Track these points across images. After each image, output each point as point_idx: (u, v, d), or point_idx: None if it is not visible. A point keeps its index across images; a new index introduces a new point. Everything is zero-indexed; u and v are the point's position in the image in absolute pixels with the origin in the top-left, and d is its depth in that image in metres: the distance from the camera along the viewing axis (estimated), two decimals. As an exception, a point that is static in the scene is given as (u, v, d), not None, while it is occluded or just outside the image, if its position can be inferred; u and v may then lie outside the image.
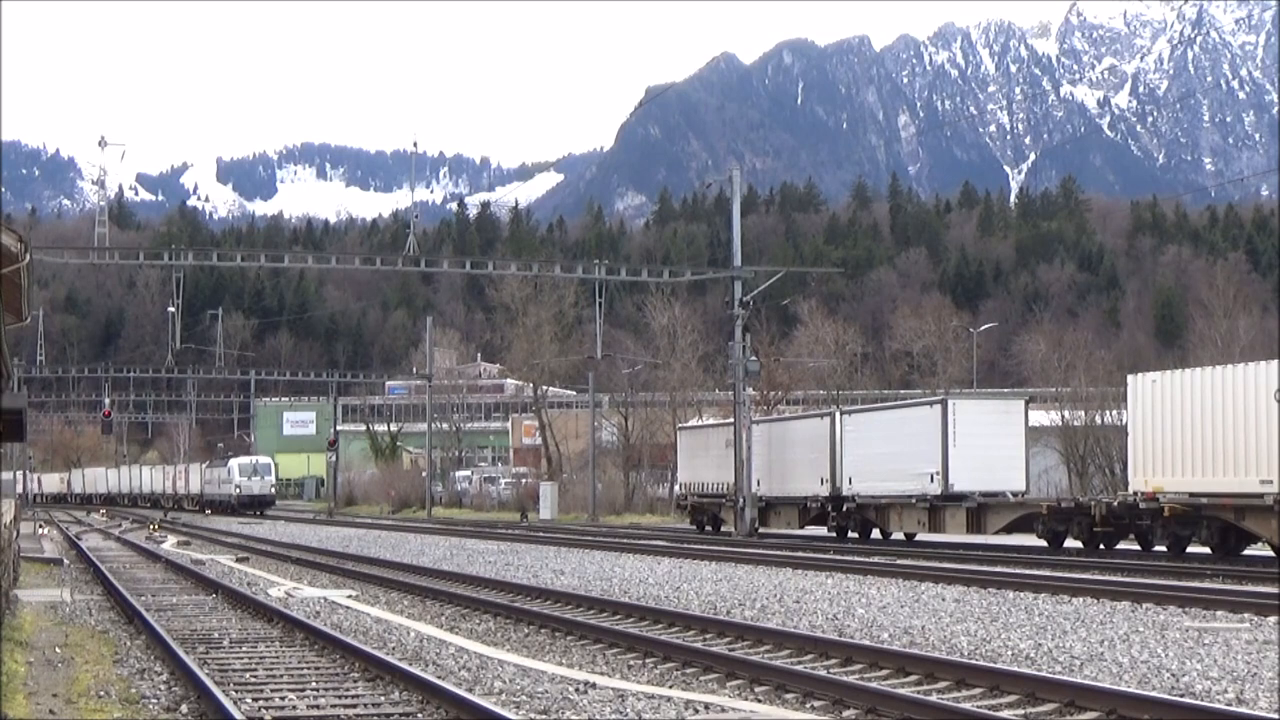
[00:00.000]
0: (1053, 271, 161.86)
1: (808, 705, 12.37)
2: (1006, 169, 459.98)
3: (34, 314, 41.64)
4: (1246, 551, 30.37)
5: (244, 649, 16.36)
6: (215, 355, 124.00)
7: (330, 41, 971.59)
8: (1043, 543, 34.55)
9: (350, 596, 23.74)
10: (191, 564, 32.59)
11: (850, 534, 42.31)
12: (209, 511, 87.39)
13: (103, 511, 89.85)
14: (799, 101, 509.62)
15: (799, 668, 14.01)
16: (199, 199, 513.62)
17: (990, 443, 37.00)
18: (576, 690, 12.77)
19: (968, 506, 36.41)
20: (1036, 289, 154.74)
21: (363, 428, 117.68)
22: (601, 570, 28.60)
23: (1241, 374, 29.05)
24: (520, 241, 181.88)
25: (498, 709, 11.38)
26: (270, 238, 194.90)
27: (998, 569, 27.15)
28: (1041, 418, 64.29)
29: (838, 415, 43.26)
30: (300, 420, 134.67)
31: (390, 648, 16.11)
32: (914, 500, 38.16)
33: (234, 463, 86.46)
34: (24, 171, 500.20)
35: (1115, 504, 32.58)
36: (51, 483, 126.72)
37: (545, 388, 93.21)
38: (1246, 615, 18.41)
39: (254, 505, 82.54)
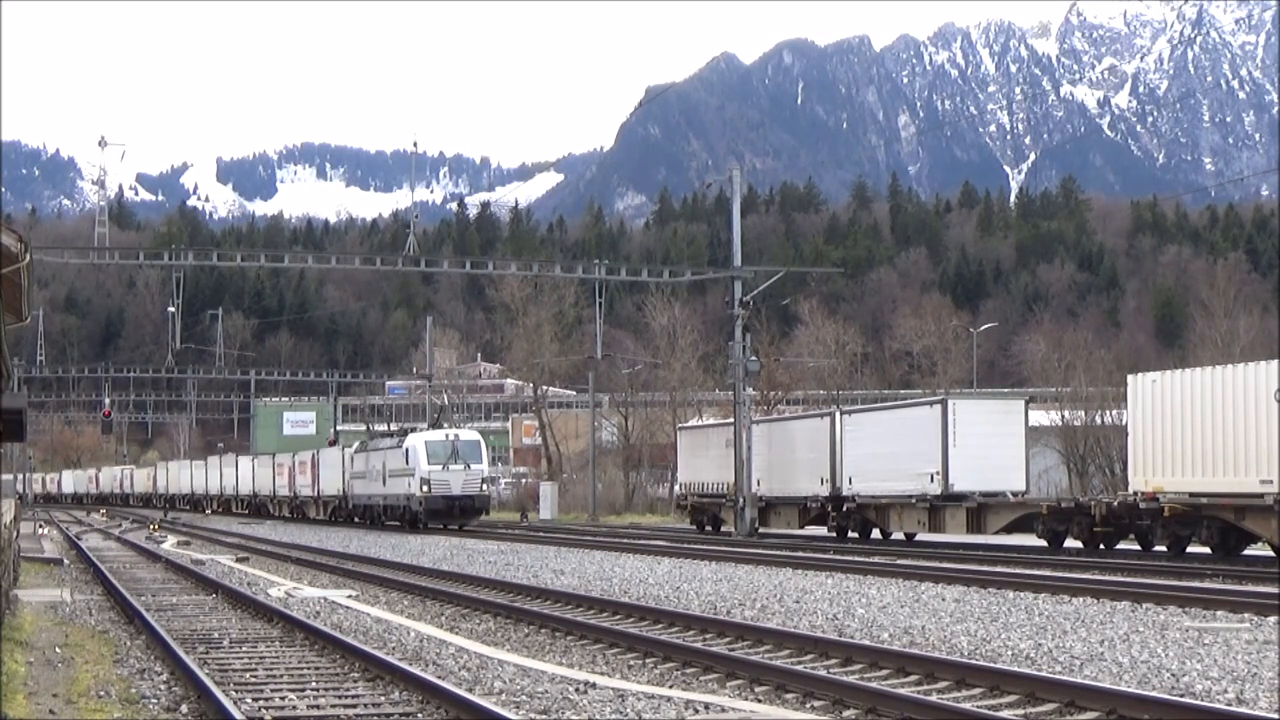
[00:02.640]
0: (1053, 271, 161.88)
1: (808, 705, 12.36)
2: (1006, 169, 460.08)
3: (34, 314, 41.68)
4: (1246, 551, 30.37)
5: (244, 649, 16.36)
6: (215, 355, 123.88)
7: (330, 41, 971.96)
8: (1043, 543, 34.56)
9: (350, 596, 23.73)
10: (191, 564, 32.58)
11: (850, 534, 42.30)
12: (209, 511, 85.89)
13: (102, 511, 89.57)
14: (799, 101, 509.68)
15: (799, 668, 14.01)
16: (199, 199, 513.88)
17: (990, 443, 37.01)
18: (576, 690, 12.77)
19: (968, 506, 36.42)
20: (1036, 289, 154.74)
21: (363, 428, 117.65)
22: (601, 570, 28.59)
23: (1241, 374, 29.04)
24: (520, 241, 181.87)
25: (498, 709, 11.38)
26: (270, 238, 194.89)
27: (998, 569, 27.14)
28: (1041, 418, 64.33)
29: (838, 415, 43.25)
30: (300, 420, 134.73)
31: (390, 648, 16.10)
32: (914, 500, 38.17)
33: (416, 440, 53.64)
34: (24, 171, 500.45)
35: (1115, 504, 32.58)
36: (141, 480, 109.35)
37: (545, 388, 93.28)
38: (1246, 615, 18.40)
39: (452, 513, 52.08)
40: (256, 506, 79.38)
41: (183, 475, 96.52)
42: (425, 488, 51.73)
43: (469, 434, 55.83)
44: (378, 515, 58.03)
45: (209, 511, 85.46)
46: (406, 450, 53.60)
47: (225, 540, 46.79)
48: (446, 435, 53.95)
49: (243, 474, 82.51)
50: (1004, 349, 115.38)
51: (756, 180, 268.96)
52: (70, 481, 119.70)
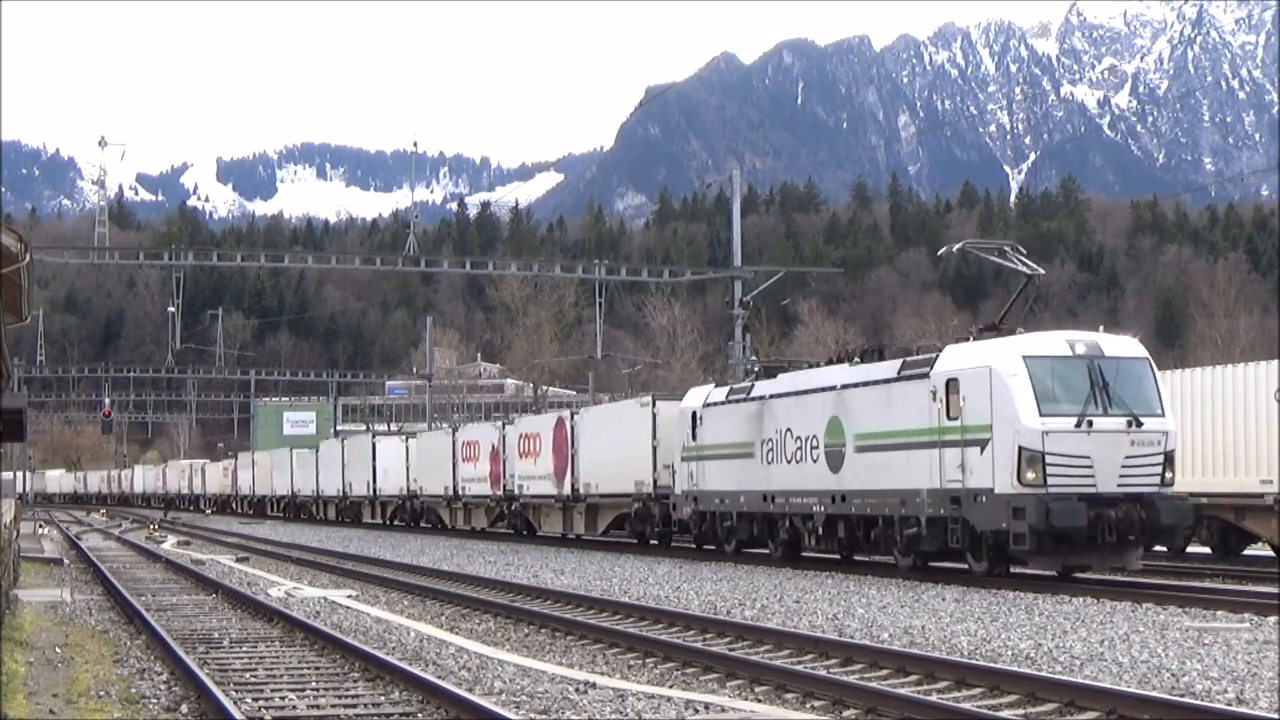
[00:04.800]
0: (1053, 271, 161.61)
1: (808, 705, 12.36)
2: (1006, 169, 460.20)
3: (34, 314, 41.64)
4: (1246, 551, 30.34)
5: (244, 649, 16.35)
6: (215, 355, 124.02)
7: (330, 41, 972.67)
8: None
9: (350, 596, 23.73)
10: (191, 564, 32.58)
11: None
12: (210, 511, 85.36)
13: (103, 511, 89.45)
14: (799, 101, 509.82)
15: (799, 668, 14.00)
16: (199, 199, 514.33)
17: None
18: (576, 690, 12.77)
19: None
20: (1036, 289, 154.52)
21: (363, 428, 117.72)
22: (601, 570, 28.57)
23: (1241, 374, 29.00)
24: (520, 241, 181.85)
25: (498, 709, 11.37)
26: (270, 238, 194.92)
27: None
28: (1041, 418, 64.06)
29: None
30: (300, 420, 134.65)
31: (390, 648, 16.10)
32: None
33: (991, 355, 21.85)
34: (24, 171, 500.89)
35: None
36: (215, 478, 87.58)
37: (545, 388, 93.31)
38: (1246, 615, 18.37)
39: (1096, 544, 21.21)
40: (415, 512, 50.51)
41: (277, 472, 70.70)
42: (1031, 473, 21.31)
43: (1123, 343, 23.46)
44: (786, 537, 28.29)
45: (208, 512, 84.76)
46: (942, 384, 22.76)
47: (225, 540, 46.79)
48: (1072, 345, 22.42)
49: (388, 462, 53.48)
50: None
51: (756, 180, 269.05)
52: (141, 479, 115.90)
